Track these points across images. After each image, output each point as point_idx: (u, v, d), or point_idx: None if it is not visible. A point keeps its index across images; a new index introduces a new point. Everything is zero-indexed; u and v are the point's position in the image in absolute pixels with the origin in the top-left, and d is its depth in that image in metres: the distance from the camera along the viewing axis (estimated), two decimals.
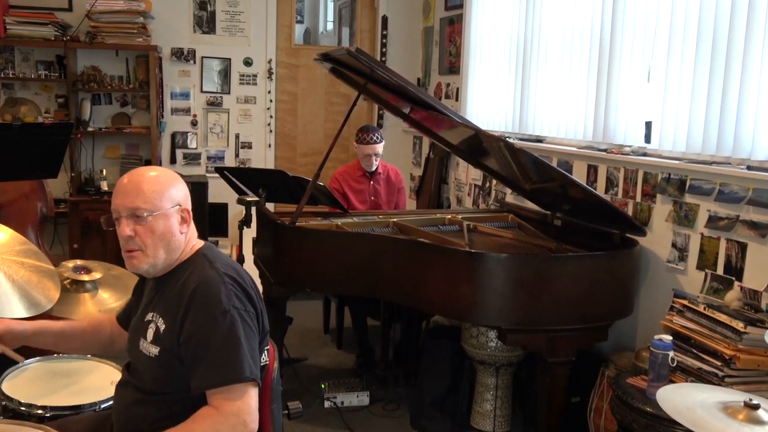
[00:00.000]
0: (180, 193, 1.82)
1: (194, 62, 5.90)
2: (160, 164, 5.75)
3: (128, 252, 1.78)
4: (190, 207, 1.85)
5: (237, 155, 6.11)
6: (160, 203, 1.76)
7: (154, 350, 1.75)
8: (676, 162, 3.07)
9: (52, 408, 1.97)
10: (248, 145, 6.12)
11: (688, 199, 3.01)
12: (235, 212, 5.47)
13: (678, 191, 3.06)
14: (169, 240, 1.78)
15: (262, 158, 6.15)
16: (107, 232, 5.37)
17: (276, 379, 1.92)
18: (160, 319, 1.77)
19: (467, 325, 3.38)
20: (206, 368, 1.66)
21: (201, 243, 1.89)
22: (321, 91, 6.34)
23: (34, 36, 5.27)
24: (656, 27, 3.24)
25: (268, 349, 1.88)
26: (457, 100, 5.43)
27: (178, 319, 1.71)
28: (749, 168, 2.73)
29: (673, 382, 2.53)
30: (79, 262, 3.00)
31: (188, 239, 1.84)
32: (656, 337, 2.57)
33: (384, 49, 6.25)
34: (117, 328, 2.06)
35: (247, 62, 6.02)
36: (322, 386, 3.80)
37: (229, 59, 5.98)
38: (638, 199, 3.31)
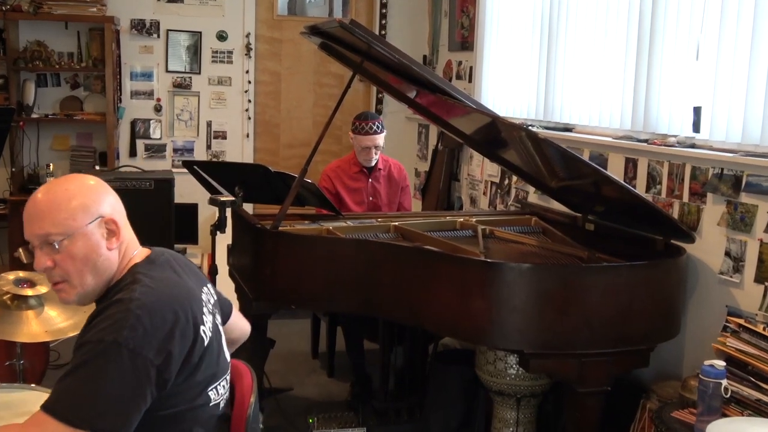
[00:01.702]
0: (99, 203, 1.76)
1: (158, 36, 5.91)
2: (117, 158, 5.76)
3: (54, 285, 1.77)
4: (119, 215, 1.80)
5: (209, 147, 6.12)
6: (72, 222, 1.72)
7: None
8: (730, 155, 3.08)
9: None
10: (222, 135, 6.13)
11: (745, 198, 3.03)
12: (207, 215, 5.47)
13: (732, 189, 3.07)
14: (95, 262, 1.75)
15: (239, 150, 6.16)
16: None
17: (253, 414, 1.91)
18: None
19: (482, 349, 3.38)
20: (58, 385, 1.61)
21: (143, 253, 1.85)
22: (309, 71, 6.35)
23: None
24: None
25: (222, 385, 1.85)
26: (470, 81, 5.45)
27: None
28: None
29: (726, 415, 2.54)
30: (21, 273, 3.00)
31: (122, 254, 1.80)
32: (706, 362, 2.58)
33: (384, 21, 6.26)
34: None
35: (221, 36, 6.04)
36: (310, 421, 3.81)
37: (200, 33, 5.99)
38: (685, 198, 3.32)
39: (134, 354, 1.61)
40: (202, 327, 1.76)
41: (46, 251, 1.73)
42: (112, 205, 1.80)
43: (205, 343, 1.77)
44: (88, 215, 1.74)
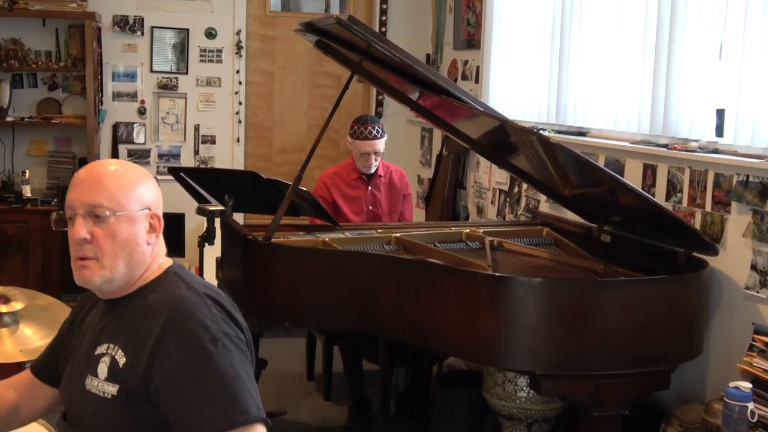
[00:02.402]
0: (151, 195, 1.86)
1: (142, 34, 5.93)
2: None
3: (80, 260, 1.79)
4: (161, 213, 1.89)
5: (197, 152, 6.13)
6: (126, 203, 1.79)
7: (111, 389, 1.76)
8: (757, 161, 3.08)
9: None
10: (211, 140, 6.14)
11: None
12: (194, 225, 5.48)
13: (759, 198, 3.07)
14: (132, 250, 1.81)
15: (229, 156, 6.17)
16: (30, 250, 5.38)
17: None
18: (119, 351, 1.78)
19: (490, 370, 3.38)
20: (202, 409, 1.67)
21: (170, 261, 1.92)
22: (304, 71, 6.37)
23: None
24: None
25: None
26: (476, 81, 5.46)
27: (146, 352, 1.72)
28: None
29: None
30: None
31: (155, 254, 1.87)
32: (731, 384, 2.58)
33: (384, 18, 6.28)
34: (27, 387, 2.03)
35: (210, 34, 6.05)
36: None
37: (187, 30, 6.01)
38: (708, 207, 3.32)
39: (235, 340, 1.75)
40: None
41: (89, 222, 1.78)
42: (159, 202, 1.89)
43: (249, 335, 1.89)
44: (140, 202, 1.82)
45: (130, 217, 1.80)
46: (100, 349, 1.82)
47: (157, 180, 1.93)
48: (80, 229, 1.77)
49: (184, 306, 1.76)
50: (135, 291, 1.85)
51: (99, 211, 1.77)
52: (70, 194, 1.80)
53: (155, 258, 1.88)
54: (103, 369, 1.79)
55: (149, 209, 1.84)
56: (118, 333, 1.82)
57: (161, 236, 1.89)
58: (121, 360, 1.77)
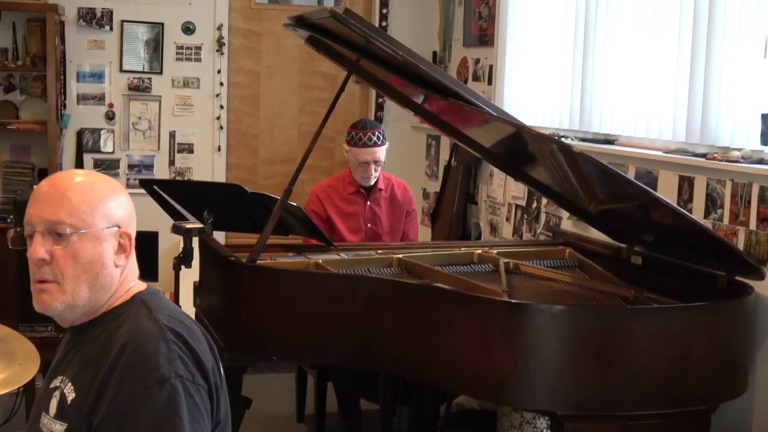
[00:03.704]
0: (121, 211, 1.86)
1: (111, 29, 5.95)
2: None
3: (39, 283, 1.80)
4: (133, 232, 1.89)
5: (172, 163, 6.14)
6: (91, 219, 1.80)
7: (59, 428, 1.77)
8: None
9: None
10: (188, 148, 6.15)
11: None
12: (169, 244, 5.47)
13: None
14: (98, 273, 1.81)
15: (209, 167, 6.18)
16: None
17: None
18: (69, 384, 1.79)
19: (506, 410, 3.37)
20: None
21: (142, 286, 1.93)
22: (294, 71, 6.39)
23: None
24: None
25: None
26: (489, 83, 5.48)
27: (95, 387, 1.73)
28: None
29: None
30: None
31: (124, 277, 1.88)
32: None
33: (385, 11, 6.31)
34: None
35: (188, 28, 6.08)
36: None
37: (162, 24, 6.04)
38: (752, 225, 3.32)
39: (188, 384, 1.74)
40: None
41: (48, 241, 1.78)
42: (131, 219, 1.89)
43: (223, 381, 1.88)
44: (108, 218, 1.82)
45: (95, 235, 1.80)
46: (55, 382, 1.84)
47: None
48: (38, 248, 1.77)
49: (139, 339, 1.75)
50: (97, 318, 1.85)
51: (60, 228, 1.77)
52: (30, 209, 1.81)
53: (124, 282, 1.88)
54: (53, 405, 1.80)
55: (118, 227, 1.84)
56: (72, 365, 1.83)
57: (133, 257, 1.90)
58: (70, 396, 1.78)
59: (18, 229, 1.84)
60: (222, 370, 1.89)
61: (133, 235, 1.89)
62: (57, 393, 1.81)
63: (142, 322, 1.79)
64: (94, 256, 1.80)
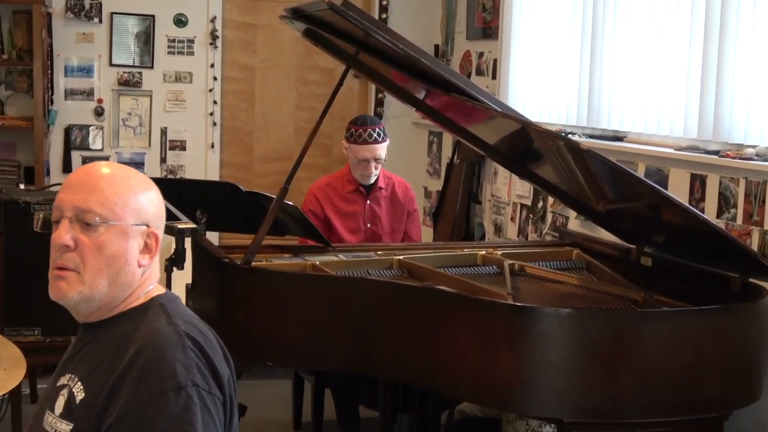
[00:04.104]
0: (152, 209, 1.89)
1: (100, 21, 5.95)
2: (47, 174, 5.78)
3: (57, 270, 1.81)
4: (161, 234, 1.92)
5: (164, 160, 6.14)
6: (121, 212, 1.82)
7: (65, 428, 1.77)
8: None
9: None
10: (181, 146, 6.15)
11: None
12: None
13: None
14: (120, 268, 1.83)
15: (202, 165, 6.18)
16: None
17: None
18: (78, 383, 1.80)
19: (511, 417, 3.37)
20: None
21: (161, 290, 1.94)
22: (290, 65, 6.39)
23: None
24: None
25: None
26: (494, 77, 5.48)
27: (106, 388, 1.74)
28: None
29: None
30: None
31: (145, 278, 1.89)
32: None
33: (385, 2, 6.31)
34: None
35: (180, 21, 6.08)
36: None
37: (153, 17, 6.04)
38: (767, 225, 3.32)
39: (204, 394, 1.75)
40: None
41: (75, 228, 1.79)
42: (160, 219, 1.92)
43: (235, 394, 1.90)
44: (137, 215, 1.84)
45: (123, 229, 1.82)
46: (62, 380, 1.84)
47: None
48: (64, 234, 1.79)
49: (156, 343, 1.76)
50: (112, 317, 1.86)
51: (89, 216, 1.79)
52: (61, 194, 1.83)
53: (144, 283, 1.89)
54: (60, 403, 1.80)
55: (147, 226, 1.86)
56: (83, 363, 1.84)
57: (156, 260, 1.91)
58: (79, 395, 1.78)
59: (47, 212, 1.85)
60: (234, 381, 1.90)
61: (161, 237, 1.90)
62: (65, 391, 1.81)
63: (161, 326, 1.80)
64: (119, 250, 1.82)
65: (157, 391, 1.70)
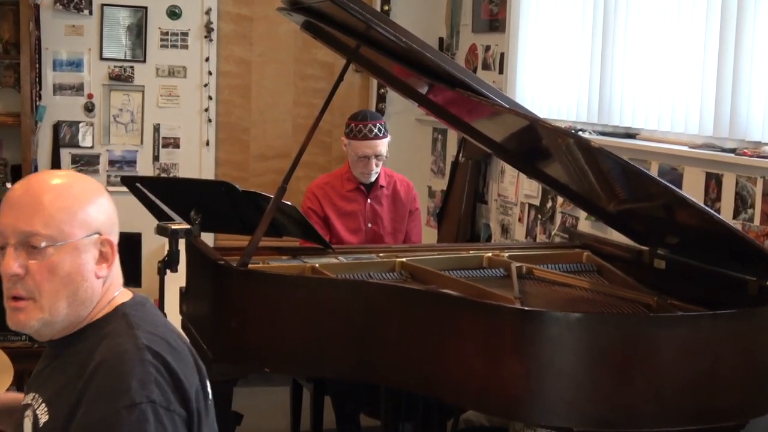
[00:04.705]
0: (102, 216, 1.84)
1: (90, 13, 5.96)
2: (35, 170, 5.78)
3: (13, 300, 1.79)
4: (115, 238, 1.87)
5: (156, 158, 6.14)
6: (69, 228, 1.78)
7: None
8: None
9: None
10: (174, 143, 6.16)
11: None
12: (154, 247, 5.48)
13: None
14: (77, 287, 1.80)
15: (196, 163, 6.19)
16: None
17: None
18: (42, 405, 1.79)
19: (518, 426, 3.37)
20: None
21: (126, 295, 1.92)
22: (288, 59, 6.39)
23: None
24: None
25: None
26: (501, 72, 5.48)
27: (67, 410, 1.73)
28: None
29: None
30: None
31: (106, 288, 1.87)
32: None
33: None
34: None
35: (174, 13, 6.08)
36: None
37: (145, 8, 6.04)
38: None
39: (160, 410, 1.70)
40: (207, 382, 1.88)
41: (23, 254, 1.76)
42: (112, 224, 1.87)
43: (209, 407, 1.87)
44: (86, 227, 1.80)
45: (73, 246, 1.78)
46: (27, 399, 1.84)
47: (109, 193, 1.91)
48: (12, 263, 1.75)
49: (113, 359, 1.74)
50: (77, 332, 1.84)
51: (35, 240, 1.75)
52: (2, 218, 1.79)
53: (107, 293, 1.87)
54: (27, 426, 1.80)
55: (99, 234, 1.82)
56: (49, 383, 1.83)
57: (116, 265, 1.88)
58: (43, 418, 1.78)
59: None
60: (209, 392, 1.88)
61: (116, 242, 1.86)
62: (29, 413, 1.80)
63: (120, 340, 1.77)
64: (73, 268, 1.78)
65: (112, 409, 1.68)
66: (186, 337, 1.91)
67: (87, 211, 1.80)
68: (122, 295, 1.90)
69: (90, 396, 1.71)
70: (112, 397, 1.69)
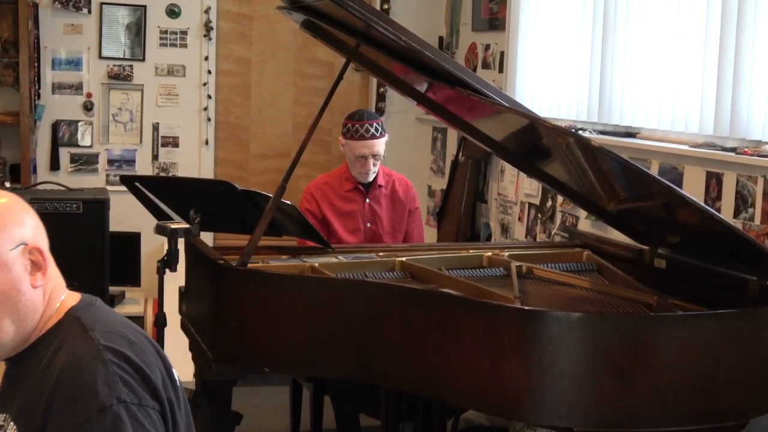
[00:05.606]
0: (23, 229, 1.78)
1: (89, 12, 5.96)
2: (34, 172, 5.78)
3: None
4: (43, 244, 1.82)
5: (156, 157, 6.14)
6: None
7: None
8: None
9: None
10: (173, 142, 6.16)
11: None
12: (153, 247, 5.48)
13: None
14: (16, 302, 1.75)
15: (195, 162, 6.18)
16: None
17: None
18: (12, 424, 1.76)
19: (518, 426, 3.37)
20: None
21: (74, 298, 1.88)
22: (288, 58, 6.39)
23: None
24: None
25: None
26: (501, 71, 5.47)
27: (37, 421, 1.70)
28: None
29: None
30: None
31: (49, 294, 1.82)
32: None
33: None
34: None
35: (173, 11, 6.08)
36: None
37: (144, 7, 6.04)
38: None
39: (134, 408, 1.69)
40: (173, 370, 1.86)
41: None
42: (35, 229, 1.81)
43: (179, 393, 1.85)
44: (9, 241, 1.75)
45: (1, 263, 1.73)
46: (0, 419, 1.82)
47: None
48: None
49: (74, 365, 1.71)
50: (31, 346, 1.81)
51: None
52: None
53: (51, 300, 1.83)
54: None
55: (25, 243, 1.76)
56: (13, 400, 1.80)
57: (52, 269, 1.83)
58: None
59: None
60: (176, 379, 1.85)
61: (45, 247, 1.81)
62: None
63: (77, 345, 1.74)
64: (6, 285, 1.74)
65: (82, 417, 1.66)
66: (141, 329, 1.87)
67: (6, 228, 1.75)
68: (70, 298, 1.86)
69: (57, 406, 1.69)
70: (80, 404, 1.67)
